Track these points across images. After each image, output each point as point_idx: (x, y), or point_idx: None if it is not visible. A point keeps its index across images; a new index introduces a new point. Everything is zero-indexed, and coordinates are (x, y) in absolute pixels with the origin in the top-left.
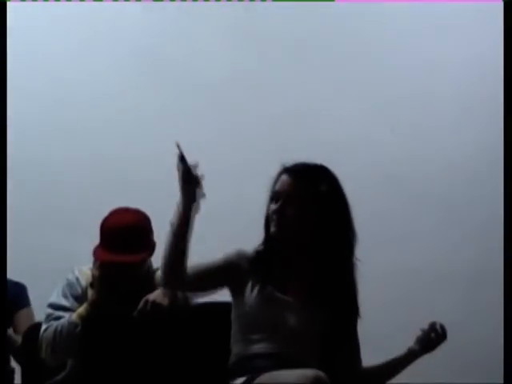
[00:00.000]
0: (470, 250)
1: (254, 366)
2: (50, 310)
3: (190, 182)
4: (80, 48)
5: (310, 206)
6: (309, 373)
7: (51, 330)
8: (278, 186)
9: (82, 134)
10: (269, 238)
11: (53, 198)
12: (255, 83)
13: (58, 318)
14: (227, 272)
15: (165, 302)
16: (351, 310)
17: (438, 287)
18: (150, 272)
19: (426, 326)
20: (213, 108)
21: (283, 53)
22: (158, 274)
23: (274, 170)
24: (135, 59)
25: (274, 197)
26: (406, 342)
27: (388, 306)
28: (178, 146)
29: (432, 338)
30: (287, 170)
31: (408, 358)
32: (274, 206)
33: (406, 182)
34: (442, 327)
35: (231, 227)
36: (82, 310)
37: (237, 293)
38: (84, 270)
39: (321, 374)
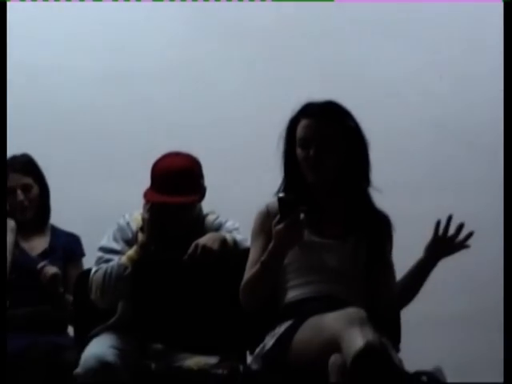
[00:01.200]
0: None
1: (300, 310)
2: (100, 254)
3: (293, 229)
4: None
5: (342, 145)
6: (349, 310)
7: (101, 272)
8: (304, 133)
9: (133, 81)
10: (302, 184)
11: (104, 147)
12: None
13: (108, 260)
14: (269, 233)
15: (215, 246)
16: (384, 237)
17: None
18: (201, 217)
19: None
20: None
21: None
22: (209, 218)
23: None
24: None
25: (303, 144)
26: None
27: None
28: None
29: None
30: (307, 115)
31: (428, 260)
32: (303, 153)
33: (457, 131)
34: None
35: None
36: (131, 252)
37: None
38: (135, 215)
39: (362, 311)
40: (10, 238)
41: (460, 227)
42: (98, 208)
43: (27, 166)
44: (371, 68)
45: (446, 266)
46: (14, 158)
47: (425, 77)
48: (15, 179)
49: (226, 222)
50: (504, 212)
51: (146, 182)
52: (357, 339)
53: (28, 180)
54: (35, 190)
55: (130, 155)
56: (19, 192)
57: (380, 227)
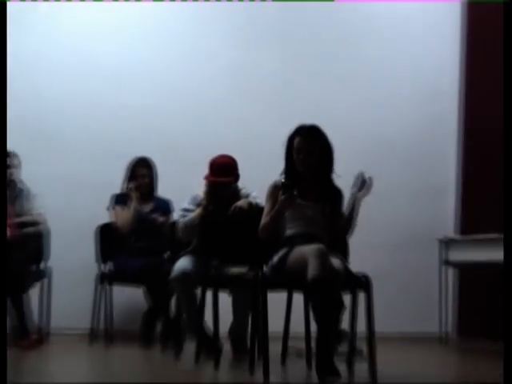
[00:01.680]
0: None
1: (292, 242)
2: (181, 212)
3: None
4: None
5: (318, 151)
6: (315, 246)
7: (182, 221)
8: (297, 144)
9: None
10: (295, 172)
11: (180, 150)
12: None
13: (185, 215)
14: (276, 198)
15: (245, 206)
16: (338, 201)
17: None
18: (237, 190)
19: None
20: None
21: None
22: (241, 191)
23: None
24: None
25: (297, 151)
26: None
27: None
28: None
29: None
30: (299, 134)
31: (351, 200)
32: (297, 156)
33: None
34: (370, 178)
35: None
36: (199, 211)
37: (283, 205)
38: (200, 191)
39: (322, 246)
40: (135, 202)
41: (365, 179)
42: (174, 189)
43: (148, 163)
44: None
45: None
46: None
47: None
48: (141, 170)
49: (251, 192)
50: (504, 211)
51: (203, 172)
52: (314, 268)
53: (147, 171)
54: (148, 177)
55: (195, 154)
56: (141, 178)
57: (336, 195)
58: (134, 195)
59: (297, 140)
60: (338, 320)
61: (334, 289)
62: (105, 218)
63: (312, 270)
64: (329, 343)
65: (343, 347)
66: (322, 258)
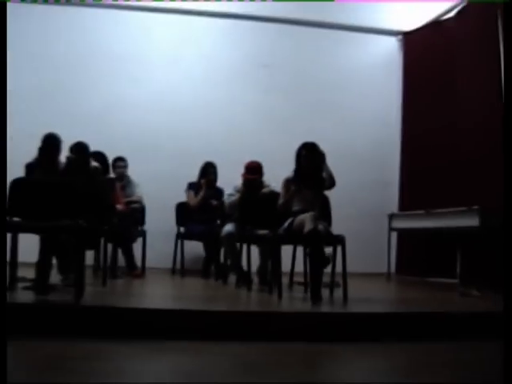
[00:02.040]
0: None
1: (296, 213)
2: (227, 196)
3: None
4: None
5: (316, 159)
6: (310, 213)
7: (228, 202)
8: (304, 155)
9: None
10: (301, 170)
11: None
12: None
13: (230, 198)
14: (288, 187)
15: (267, 192)
16: (330, 185)
17: None
18: (262, 183)
19: None
20: None
21: None
22: (265, 183)
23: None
24: None
25: (303, 159)
26: None
27: None
28: None
29: None
30: (305, 148)
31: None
32: (303, 161)
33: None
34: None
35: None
36: (238, 195)
37: (293, 192)
38: (239, 183)
39: (314, 213)
40: (203, 192)
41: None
42: (224, 181)
43: (214, 165)
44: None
45: None
46: (209, 163)
47: None
48: (209, 170)
49: (270, 184)
50: (504, 211)
51: (240, 171)
52: (308, 226)
53: (213, 170)
54: (213, 174)
55: (237, 159)
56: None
57: (329, 183)
58: (204, 187)
59: (303, 151)
60: (323, 261)
61: (320, 239)
62: (181, 197)
63: (307, 227)
64: (318, 277)
65: (327, 278)
66: (314, 220)
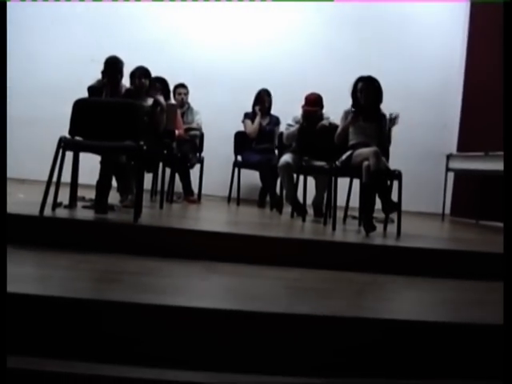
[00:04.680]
0: None
1: (353, 146)
2: (287, 126)
3: None
4: None
5: (374, 92)
6: (373, 148)
7: (287, 132)
8: (360, 87)
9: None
10: (359, 104)
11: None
12: None
13: (289, 129)
14: (346, 119)
15: (326, 124)
16: (384, 122)
17: None
18: (321, 115)
19: None
20: None
21: None
22: (324, 116)
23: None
24: None
25: (360, 90)
26: None
27: None
28: None
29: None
30: (361, 80)
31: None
32: (359, 94)
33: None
34: (397, 115)
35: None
36: (298, 126)
37: (351, 121)
38: (299, 114)
39: (377, 149)
40: (258, 118)
41: (392, 117)
42: (283, 111)
43: (268, 92)
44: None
45: None
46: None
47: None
48: (264, 97)
49: (329, 116)
50: (504, 210)
51: (301, 102)
52: (373, 164)
53: (267, 98)
54: (268, 102)
55: (297, 91)
56: (263, 102)
57: (383, 118)
58: (258, 114)
59: (359, 84)
60: (389, 196)
61: (385, 176)
62: (239, 127)
63: (373, 165)
64: (371, 210)
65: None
66: (378, 157)
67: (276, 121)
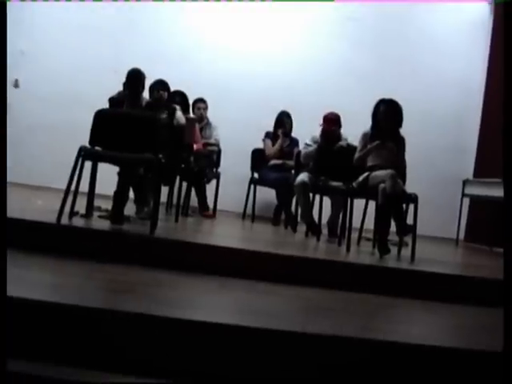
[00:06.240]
0: None
1: (370, 168)
2: (304, 146)
3: None
4: None
5: (394, 114)
6: (390, 171)
7: (304, 152)
8: (381, 110)
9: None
10: (378, 126)
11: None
12: None
13: (307, 148)
14: (365, 141)
15: (344, 145)
16: (403, 145)
17: None
18: (340, 135)
19: None
20: None
21: None
22: (342, 136)
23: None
24: None
25: (380, 115)
26: None
27: None
28: None
29: None
30: (383, 103)
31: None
32: (380, 118)
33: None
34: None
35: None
36: (316, 146)
37: (374, 147)
38: (317, 134)
39: (394, 172)
40: (280, 140)
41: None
42: (301, 132)
43: (289, 115)
44: None
45: None
46: (284, 112)
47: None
48: (285, 119)
49: (347, 137)
50: (504, 210)
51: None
52: (390, 186)
53: (288, 120)
54: (289, 124)
55: (315, 111)
56: (285, 124)
57: (401, 141)
58: (281, 137)
59: (381, 107)
60: (404, 219)
61: (401, 199)
62: (256, 144)
63: (389, 188)
64: (386, 232)
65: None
66: (395, 180)
67: (295, 142)
